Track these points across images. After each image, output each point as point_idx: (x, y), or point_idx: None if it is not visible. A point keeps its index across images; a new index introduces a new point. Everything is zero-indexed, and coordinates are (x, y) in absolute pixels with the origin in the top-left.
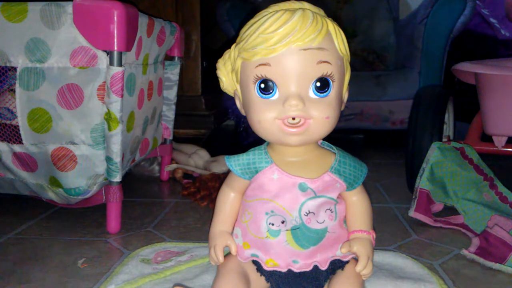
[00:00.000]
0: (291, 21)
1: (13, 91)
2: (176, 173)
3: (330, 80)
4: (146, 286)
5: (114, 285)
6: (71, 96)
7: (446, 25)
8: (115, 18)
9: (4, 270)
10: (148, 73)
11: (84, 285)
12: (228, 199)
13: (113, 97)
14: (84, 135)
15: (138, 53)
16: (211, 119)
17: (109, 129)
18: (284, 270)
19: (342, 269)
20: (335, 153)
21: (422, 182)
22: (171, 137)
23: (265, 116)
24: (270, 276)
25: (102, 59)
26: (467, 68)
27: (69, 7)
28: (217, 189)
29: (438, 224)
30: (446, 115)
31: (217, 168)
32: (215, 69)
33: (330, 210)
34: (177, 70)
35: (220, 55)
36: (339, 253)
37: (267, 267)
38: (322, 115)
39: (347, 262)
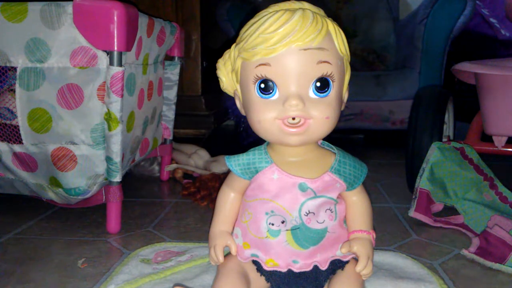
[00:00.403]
0: (291, 21)
1: (13, 91)
2: (176, 173)
3: (330, 80)
4: (146, 286)
5: (114, 285)
6: (71, 96)
7: (446, 25)
8: (115, 18)
9: (4, 270)
10: (148, 73)
11: (84, 285)
12: (228, 199)
13: (113, 97)
14: (84, 135)
15: (138, 53)
16: (211, 119)
17: (109, 129)
18: (284, 270)
19: (342, 269)
20: (335, 153)
21: (422, 182)
22: (171, 137)
23: (265, 116)
24: (270, 276)
25: (102, 59)
26: (467, 68)
27: (69, 7)
28: (217, 189)
29: (438, 224)
30: (446, 115)
31: (217, 168)
32: (215, 69)
33: (330, 210)
34: (177, 70)
35: (220, 55)
36: (339, 253)
37: (267, 267)
38: (322, 115)
39: (347, 262)
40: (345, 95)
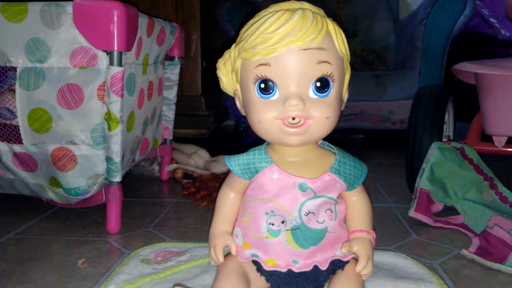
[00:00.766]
0: (291, 21)
1: (13, 91)
2: (176, 173)
3: (330, 80)
4: (146, 286)
5: (114, 285)
6: (71, 96)
7: (446, 25)
8: (115, 18)
9: (4, 270)
10: (148, 73)
11: (84, 285)
12: (228, 199)
13: (113, 97)
14: (84, 135)
15: (138, 53)
16: (211, 119)
17: (109, 129)
18: (284, 270)
19: (342, 269)
20: (335, 153)
21: (422, 182)
22: (171, 137)
23: (265, 116)
24: (270, 276)
25: (102, 59)
26: (467, 68)
27: (69, 7)
28: (217, 189)
29: (438, 224)
30: (446, 115)
31: (217, 168)
32: (215, 69)
33: (330, 210)
34: (177, 70)
35: (220, 55)
36: (339, 253)
37: (267, 267)
38: (322, 115)
39: (347, 262)
40: (345, 95)
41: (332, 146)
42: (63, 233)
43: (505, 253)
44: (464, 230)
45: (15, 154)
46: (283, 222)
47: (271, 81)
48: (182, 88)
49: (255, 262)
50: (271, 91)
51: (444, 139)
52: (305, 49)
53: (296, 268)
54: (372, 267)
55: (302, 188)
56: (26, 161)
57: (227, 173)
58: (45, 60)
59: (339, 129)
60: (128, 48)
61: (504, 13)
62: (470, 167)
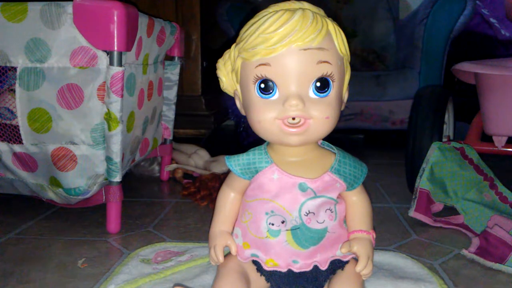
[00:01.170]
0: (291, 21)
1: (13, 91)
2: (176, 173)
3: (330, 80)
4: (146, 286)
5: (114, 285)
6: (71, 96)
7: (446, 25)
8: (115, 18)
9: (4, 270)
10: (148, 73)
11: (84, 285)
12: (228, 199)
13: (113, 97)
14: (84, 135)
15: (138, 53)
16: (211, 119)
17: (109, 129)
18: (284, 270)
19: (342, 269)
20: (335, 153)
21: (422, 182)
22: (171, 137)
23: (265, 116)
24: (270, 276)
25: (102, 59)
26: (467, 68)
27: (69, 7)
28: (217, 189)
29: (438, 224)
30: (446, 115)
31: (217, 168)
32: (215, 69)
33: (330, 210)
34: (177, 70)
35: (220, 55)
36: (339, 253)
37: (267, 267)
38: (322, 115)
39: (347, 262)
40: (345, 95)
41: (332, 146)
42: (63, 233)
43: (505, 253)
44: (464, 230)
45: (15, 154)
46: (283, 222)
47: (271, 81)
48: (182, 88)
49: (255, 262)
50: (271, 91)
51: (444, 139)
52: (305, 49)
53: (296, 268)
54: (372, 267)
55: (302, 188)
56: (26, 161)
57: (227, 173)
58: (45, 60)
59: (339, 129)
60: (128, 48)
61: (504, 13)
62: (470, 167)
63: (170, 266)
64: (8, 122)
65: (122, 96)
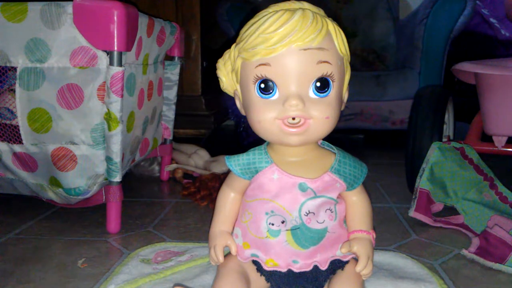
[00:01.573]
0: (291, 21)
1: (13, 91)
2: (176, 173)
3: (330, 80)
4: (146, 286)
5: (114, 285)
6: (71, 96)
7: (446, 25)
8: (115, 18)
9: (4, 270)
10: (148, 73)
11: (84, 285)
12: (228, 199)
13: (113, 97)
14: (84, 135)
15: (138, 53)
16: (211, 119)
17: (109, 129)
18: (284, 270)
19: (342, 269)
20: (335, 153)
21: (422, 182)
22: (171, 137)
23: (265, 116)
24: (270, 276)
25: (102, 59)
26: (467, 68)
27: (69, 7)
28: (217, 189)
29: (438, 224)
30: (446, 115)
31: (217, 168)
32: (215, 69)
33: (330, 210)
34: (177, 70)
35: (220, 55)
36: (339, 253)
37: (267, 267)
38: (322, 115)
39: (347, 262)
40: (345, 95)
41: (332, 146)
42: (63, 233)
43: (505, 253)
44: (464, 230)
45: (15, 154)
46: (283, 222)
47: (271, 81)
48: (182, 88)
49: (255, 262)
50: (271, 91)
51: (444, 139)
52: (305, 49)
53: (296, 268)
54: (372, 267)
55: (302, 188)
56: (26, 161)
57: (227, 173)
58: (45, 60)
59: (339, 129)
60: (128, 48)
61: (504, 13)
62: (470, 167)
63: (170, 266)
64: (8, 122)
65: (122, 96)
